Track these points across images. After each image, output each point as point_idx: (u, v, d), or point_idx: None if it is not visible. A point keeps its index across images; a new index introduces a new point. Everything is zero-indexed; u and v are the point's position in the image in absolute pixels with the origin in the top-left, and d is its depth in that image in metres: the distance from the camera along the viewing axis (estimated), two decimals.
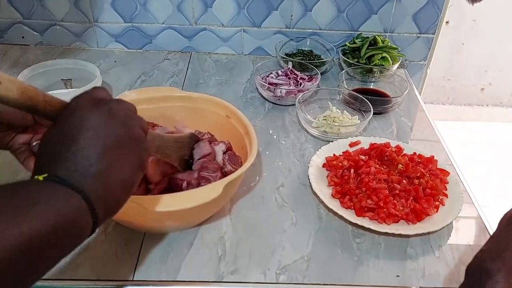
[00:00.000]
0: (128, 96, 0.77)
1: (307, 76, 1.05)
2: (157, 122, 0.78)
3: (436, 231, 0.70)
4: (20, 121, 0.51)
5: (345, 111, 0.97)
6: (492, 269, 0.45)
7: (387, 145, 0.83)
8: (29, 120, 0.52)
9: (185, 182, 0.66)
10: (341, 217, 0.71)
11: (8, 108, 0.41)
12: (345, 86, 1.03)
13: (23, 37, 1.20)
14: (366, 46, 1.11)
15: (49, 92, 0.48)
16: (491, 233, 0.61)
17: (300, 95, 0.95)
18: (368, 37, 1.13)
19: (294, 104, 0.95)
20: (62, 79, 0.99)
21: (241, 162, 0.75)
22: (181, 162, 0.68)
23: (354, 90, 1.00)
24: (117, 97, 0.49)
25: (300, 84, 1.02)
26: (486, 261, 0.47)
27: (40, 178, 0.37)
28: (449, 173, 0.79)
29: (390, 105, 1.00)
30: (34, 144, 0.53)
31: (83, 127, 0.41)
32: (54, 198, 0.36)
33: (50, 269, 0.36)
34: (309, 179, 0.77)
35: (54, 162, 0.39)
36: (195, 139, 0.73)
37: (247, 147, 0.71)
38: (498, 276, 0.45)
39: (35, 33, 1.19)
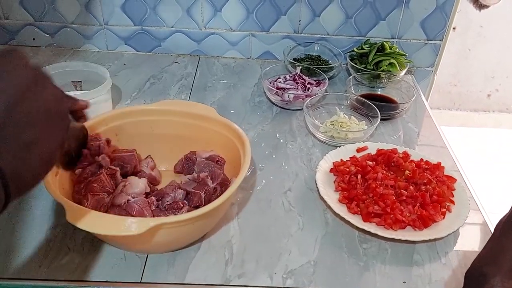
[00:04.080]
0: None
1: (315, 81, 1.06)
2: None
3: (443, 237, 0.70)
4: None
5: (352, 116, 0.97)
6: (488, 273, 0.47)
7: (394, 151, 0.83)
8: None
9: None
10: (348, 222, 0.71)
11: None
12: (353, 91, 1.03)
13: (34, 38, 1.21)
14: (374, 52, 1.11)
15: None
16: None
17: (308, 100, 0.95)
18: (376, 43, 1.13)
19: (302, 109, 0.95)
20: (72, 81, 0.99)
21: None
22: (63, 155, 0.61)
23: (361, 96, 1.00)
24: None
25: (308, 89, 1.03)
26: (483, 266, 0.49)
27: None
28: (456, 180, 0.79)
29: (397, 111, 1.00)
30: None
31: (7, 93, 0.36)
32: None
33: None
34: (316, 184, 0.77)
35: None
36: (84, 132, 0.65)
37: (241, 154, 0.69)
38: (494, 280, 0.46)
39: (46, 35, 1.21)
